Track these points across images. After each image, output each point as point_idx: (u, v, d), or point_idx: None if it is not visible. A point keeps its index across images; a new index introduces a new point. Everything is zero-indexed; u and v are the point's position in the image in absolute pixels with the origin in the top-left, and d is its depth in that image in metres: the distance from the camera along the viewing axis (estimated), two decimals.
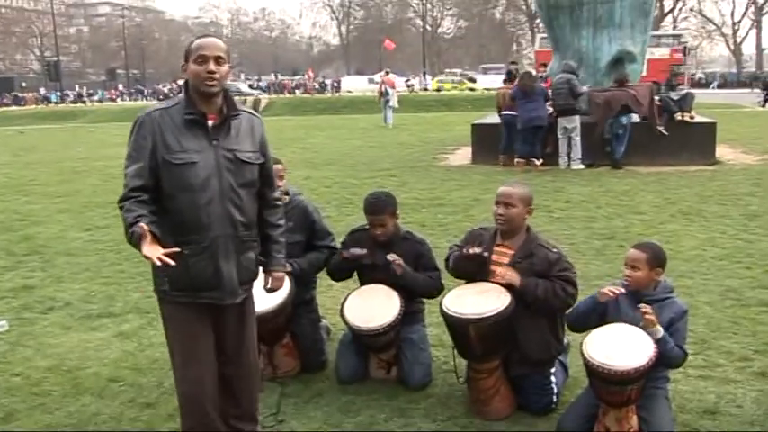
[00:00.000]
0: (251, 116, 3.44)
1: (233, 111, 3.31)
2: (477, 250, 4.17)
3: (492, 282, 4.19)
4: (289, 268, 4.65)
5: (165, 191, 3.21)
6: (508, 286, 4.10)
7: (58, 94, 66.64)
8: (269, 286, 3.68)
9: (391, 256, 4.51)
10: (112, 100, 69.46)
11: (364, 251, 4.60)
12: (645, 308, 3.68)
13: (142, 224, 2.98)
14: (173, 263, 2.91)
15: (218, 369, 3.47)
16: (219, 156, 3.23)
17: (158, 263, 2.90)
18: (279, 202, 3.65)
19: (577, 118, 13.98)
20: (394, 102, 28.05)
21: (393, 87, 28.29)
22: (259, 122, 3.47)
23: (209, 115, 3.25)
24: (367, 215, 4.66)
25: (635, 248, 3.93)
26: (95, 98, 67.81)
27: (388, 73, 29.69)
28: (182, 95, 3.33)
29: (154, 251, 2.92)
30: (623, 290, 3.86)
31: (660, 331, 3.66)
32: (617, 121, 13.70)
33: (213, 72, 3.18)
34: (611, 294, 3.84)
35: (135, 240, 3.01)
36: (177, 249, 3.01)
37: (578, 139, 14.01)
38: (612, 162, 13.66)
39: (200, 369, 3.36)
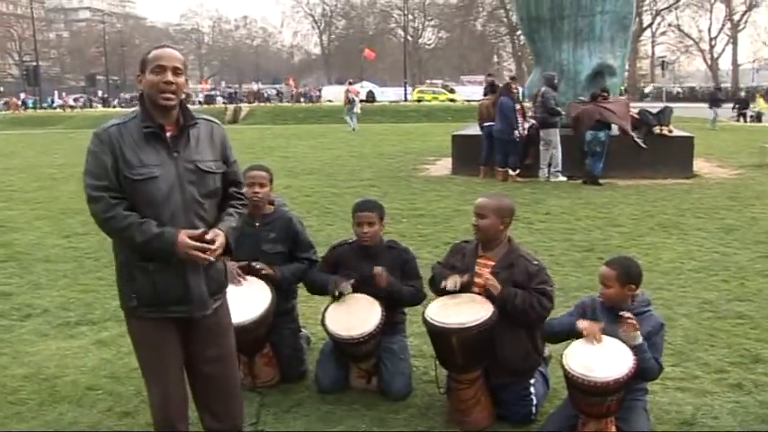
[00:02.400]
0: (209, 123, 3.35)
1: (190, 120, 3.23)
2: (457, 284, 4.19)
3: (474, 293, 4.21)
4: (272, 271, 4.66)
5: (129, 207, 3.14)
6: (489, 297, 4.12)
7: (34, 99, 66.00)
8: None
9: (377, 270, 4.51)
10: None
11: (351, 282, 4.57)
12: (626, 314, 3.70)
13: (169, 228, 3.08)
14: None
15: (198, 380, 3.44)
16: (180, 168, 3.16)
17: (212, 257, 3.11)
18: (242, 197, 3.49)
19: (556, 131, 14.10)
20: (357, 108, 32.09)
21: (357, 95, 32.75)
22: (219, 129, 3.38)
23: (167, 126, 3.18)
24: (356, 213, 4.66)
25: (606, 265, 3.94)
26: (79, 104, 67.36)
27: (351, 83, 33.79)
28: (137, 108, 3.25)
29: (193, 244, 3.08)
30: (601, 324, 3.83)
31: (639, 338, 3.69)
32: (595, 138, 13.73)
33: (170, 83, 3.11)
34: (590, 330, 3.81)
35: (164, 242, 3.08)
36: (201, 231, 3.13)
37: (557, 151, 14.14)
38: (590, 178, 13.71)
39: (168, 386, 3.32)
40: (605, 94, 14.29)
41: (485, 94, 17.17)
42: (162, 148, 3.15)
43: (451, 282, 4.21)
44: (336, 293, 4.57)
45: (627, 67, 24.71)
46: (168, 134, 3.18)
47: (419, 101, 55.99)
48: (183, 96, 3.24)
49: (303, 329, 5.25)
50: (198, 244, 3.09)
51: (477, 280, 4.26)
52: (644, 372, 3.73)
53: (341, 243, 4.86)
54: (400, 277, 4.65)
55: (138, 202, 3.12)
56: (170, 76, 3.12)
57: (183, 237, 3.07)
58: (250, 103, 57.99)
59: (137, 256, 3.15)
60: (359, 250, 4.69)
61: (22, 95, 68.47)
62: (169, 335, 3.29)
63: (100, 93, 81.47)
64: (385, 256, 4.67)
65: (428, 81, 75.64)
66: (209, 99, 61.05)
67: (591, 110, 13.91)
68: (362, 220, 4.62)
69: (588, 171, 13.79)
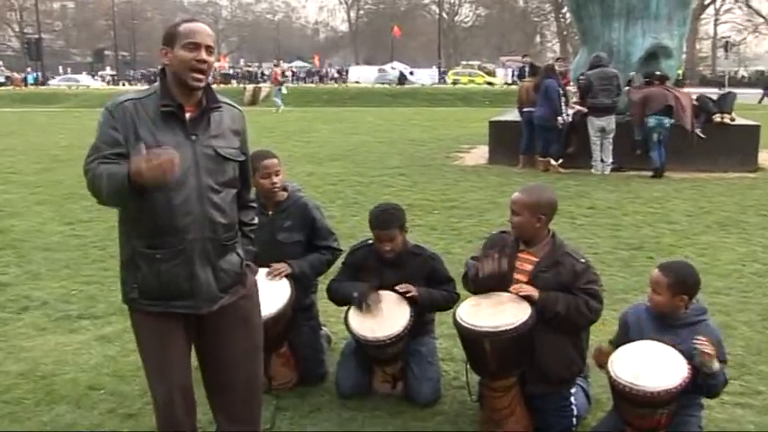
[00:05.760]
0: (232, 108, 3.37)
1: (213, 103, 3.24)
2: (496, 267, 4.14)
3: (511, 292, 4.17)
4: (289, 270, 4.67)
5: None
6: (528, 297, 4.08)
7: (36, 74, 66.47)
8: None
9: (403, 288, 4.48)
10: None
11: (380, 301, 4.52)
12: (702, 343, 3.54)
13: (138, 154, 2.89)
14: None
15: (214, 380, 3.45)
16: (198, 152, 3.16)
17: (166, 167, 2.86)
18: (254, 204, 3.62)
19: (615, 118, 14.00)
20: (284, 89, 38.05)
21: (284, 76, 41.23)
22: (240, 116, 3.41)
23: (187, 107, 3.18)
24: (374, 230, 4.61)
25: (659, 270, 3.84)
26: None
27: (277, 64, 41.27)
28: (156, 84, 3.24)
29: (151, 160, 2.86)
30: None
31: (716, 364, 3.57)
32: (660, 124, 13.50)
33: (204, 61, 3.11)
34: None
35: (118, 181, 2.94)
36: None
37: (611, 141, 14.02)
38: (655, 170, 13.48)
39: (173, 385, 3.33)
40: (664, 79, 14.05)
41: (520, 77, 17.04)
42: (179, 129, 3.15)
43: (489, 264, 4.16)
44: (363, 307, 4.52)
45: (685, 48, 24.30)
46: (188, 115, 3.18)
47: (454, 83, 55.95)
48: (214, 74, 3.23)
49: (323, 328, 5.25)
50: (152, 160, 2.88)
51: (515, 276, 4.22)
52: (708, 388, 3.66)
53: (361, 245, 4.82)
54: (427, 283, 4.62)
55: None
56: (204, 55, 3.12)
57: (136, 161, 2.89)
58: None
59: (143, 242, 3.15)
60: (381, 256, 4.65)
61: (29, 70, 68.96)
62: (175, 330, 3.30)
63: (108, 69, 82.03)
64: (410, 263, 4.63)
65: (464, 62, 75.45)
66: (226, 78, 61.40)
67: (657, 93, 13.69)
68: (382, 238, 4.57)
69: (653, 162, 13.57)
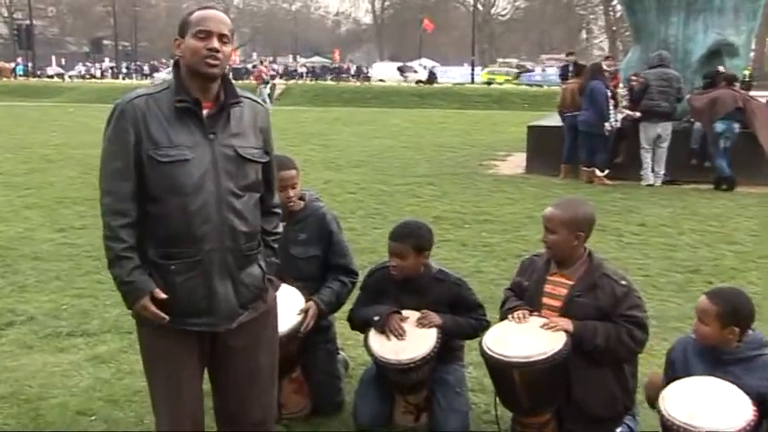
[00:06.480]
0: (254, 103, 3.39)
1: (232, 98, 3.26)
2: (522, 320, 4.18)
3: (543, 316, 4.16)
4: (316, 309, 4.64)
5: (149, 193, 3.17)
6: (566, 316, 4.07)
7: (25, 65, 66.91)
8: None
9: (424, 320, 4.48)
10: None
11: (404, 332, 4.50)
12: None
13: (147, 293, 3.17)
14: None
15: (220, 406, 3.47)
16: (217, 152, 3.18)
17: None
18: (278, 210, 3.62)
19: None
20: (268, 89, 36.60)
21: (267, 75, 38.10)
22: (264, 112, 3.43)
23: (204, 103, 3.20)
24: (388, 241, 4.63)
25: (706, 296, 3.76)
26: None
27: (262, 62, 44.61)
28: (170, 78, 3.28)
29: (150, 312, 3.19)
30: None
31: None
32: (729, 129, 13.40)
33: (215, 50, 3.14)
34: None
35: (129, 296, 3.20)
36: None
37: (665, 150, 13.94)
38: (725, 180, 13.39)
39: (179, 407, 3.33)
40: (733, 79, 13.92)
41: (562, 77, 16.99)
42: (196, 127, 3.18)
43: (517, 314, 4.18)
44: (385, 331, 4.51)
45: (753, 45, 24.00)
46: (205, 111, 3.20)
47: (489, 83, 55.96)
48: (227, 69, 3.27)
49: (341, 352, 5.25)
50: (157, 311, 3.18)
51: (547, 301, 4.21)
52: None
53: (380, 267, 4.83)
54: (453, 311, 4.60)
55: (162, 189, 3.14)
56: (215, 43, 3.15)
57: (146, 302, 3.17)
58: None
59: (157, 252, 3.17)
60: (401, 281, 4.64)
61: (19, 60, 69.51)
62: (188, 350, 3.30)
63: (107, 60, 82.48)
64: (432, 289, 4.61)
65: (500, 60, 75.45)
66: (237, 74, 61.76)
67: (726, 95, 13.62)
68: (393, 251, 4.57)
69: (719, 171, 13.49)
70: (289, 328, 4.36)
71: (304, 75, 64.23)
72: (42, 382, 5.25)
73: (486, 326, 4.59)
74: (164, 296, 3.14)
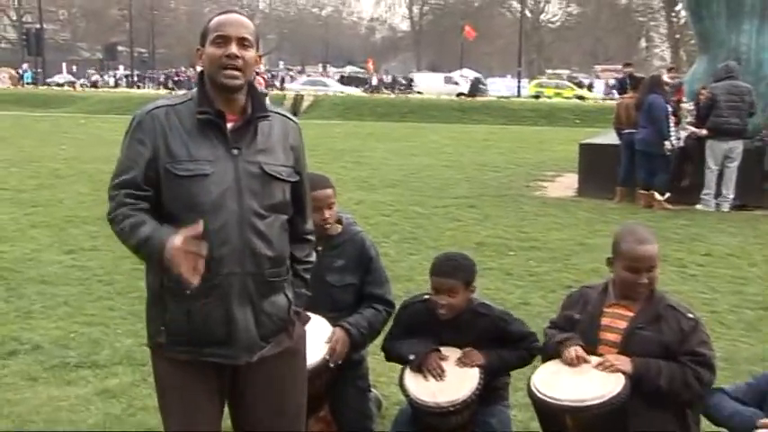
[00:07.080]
0: (285, 119, 3.39)
1: (260, 111, 3.26)
2: (575, 359, 4.10)
3: (598, 353, 4.12)
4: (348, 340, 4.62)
5: (166, 209, 3.17)
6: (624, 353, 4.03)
7: (34, 71, 67.69)
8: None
9: (467, 360, 4.46)
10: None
11: (444, 372, 4.47)
12: None
13: (172, 236, 2.97)
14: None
15: None
16: (240, 168, 3.18)
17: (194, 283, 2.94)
18: (311, 237, 3.60)
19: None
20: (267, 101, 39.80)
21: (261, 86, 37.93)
22: (296, 128, 3.42)
23: (229, 115, 3.21)
24: (433, 277, 4.56)
25: None
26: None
27: (259, 72, 43.23)
28: (194, 90, 3.29)
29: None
30: None
31: None
32: None
33: (234, 56, 3.15)
34: None
35: (153, 250, 3.03)
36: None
37: (735, 170, 13.81)
38: None
39: None
40: None
41: (620, 91, 16.90)
42: (219, 141, 3.18)
43: (570, 354, 4.11)
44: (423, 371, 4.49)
45: None
46: (230, 125, 3.20)
47: (537, 97, 55.95)
48: (253, 78, 3.27)
49: (373, 390, 5.22)
50: (189, 247, 2.96)
51: (604, 335, 4.16)
52: None
53: (414, 300, 4.80)
54: (499, 345, 4.57)
55: (178, 205, 3.14)
56: (234, 49, 3.15)
57: (174, 239, 2.96)
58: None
59: (172, 278, 3.09)
60: (437, 314, 4.59)
61: (25, 66, 70.33)
62: (205, 382, 3.29)
63: (121, 68, 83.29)
64: (474, 325, 4.56)
65: (550, 71, 75.46)
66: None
67: None
68: (440, 288, 4.51)
69: None
70: (316, 360, 4.33)
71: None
72: (47, 417, 5.26)
73: (534, 355, 4.57)
74: (199, 228, 2.97)
